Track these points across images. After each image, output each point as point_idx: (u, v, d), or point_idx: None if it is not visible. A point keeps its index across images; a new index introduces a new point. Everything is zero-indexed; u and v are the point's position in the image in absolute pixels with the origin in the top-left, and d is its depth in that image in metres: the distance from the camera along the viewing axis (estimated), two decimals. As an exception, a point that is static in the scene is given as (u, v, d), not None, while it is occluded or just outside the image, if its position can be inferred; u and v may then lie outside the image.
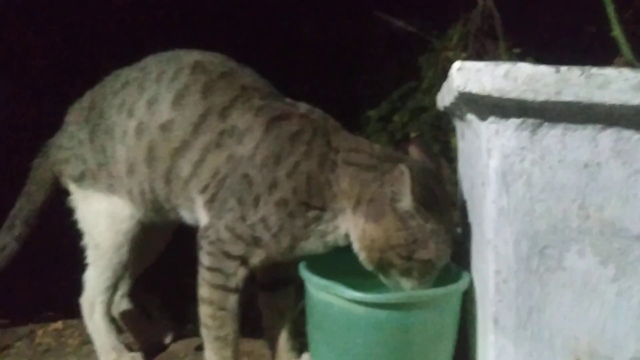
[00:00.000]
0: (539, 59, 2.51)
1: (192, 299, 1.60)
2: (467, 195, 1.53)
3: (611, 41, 1.90)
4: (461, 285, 1.41)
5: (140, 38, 2.52)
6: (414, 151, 1.52)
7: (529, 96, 1.20)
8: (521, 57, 2.56)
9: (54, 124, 1.76)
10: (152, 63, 1.63)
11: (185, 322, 1.96)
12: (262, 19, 2.95)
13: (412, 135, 2.63)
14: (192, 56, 1.61)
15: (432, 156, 1.55)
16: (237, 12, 2.87)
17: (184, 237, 1.75)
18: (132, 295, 1.86)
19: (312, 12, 3.13)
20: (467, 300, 1.45)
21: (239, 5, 2.82)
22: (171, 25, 2.70)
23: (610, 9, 1.57)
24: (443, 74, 2.63)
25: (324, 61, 3.00)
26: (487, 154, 1.28)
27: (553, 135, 1.26)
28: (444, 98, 1.50)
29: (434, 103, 2.59)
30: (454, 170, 2.20)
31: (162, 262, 1.87)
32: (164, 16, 2.71)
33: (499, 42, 2.59)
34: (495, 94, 1.21)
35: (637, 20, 1.70)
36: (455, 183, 1.93)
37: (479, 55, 2.62)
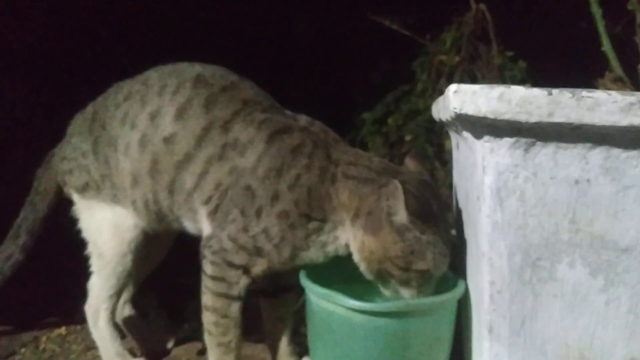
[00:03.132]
0: (531, 62, 2.56)
1: (188, 299, 1.63)
2: (462, 206, 1.58)
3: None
4: (457, 293, 1.46)
5: (136, 40, 2.54)
6: (410, 163, 1.56)
7: (522, 117, 1.25)
8: (514, 60, 2.61)
9: (58, 132, 1.79)
10: (154, 76, 1.65)
11: (181, 322, 1.99)
12: (256, 22, 2.96)
13: (407, 138, 2.67)
14: (193, 70, 1.63)
15: (427, 163, 1.58)
16: (230, 15, 2.88)
17: (180, 238, 1.78)
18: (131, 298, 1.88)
19: (305, 14, 3.15)
20: (463, 308, 1.49)
21: (231, 8, 2.84)
22: (167, 24, 2.72)
23: (601, 24, 1.61)
24: (437, 78, 2.69)
25: (317, 63, 3.02)
26: (483, 171, 1.33)
27: (545, 153, 1.31)
28: (440, 112, 1.54)
29: (427, 106, 2.63)
30: (448, 173, 2.25)
31: (159, 264, 1.90)
32: (161, 16, 2.73)
33: (492, 46, 2.63)
34: (490, 116, 1.25)
35: (627, 35, 1.74)
36: (449, 185, 1.97)
37: (472, 59, 2.66)
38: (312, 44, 3.15)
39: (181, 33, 2.70)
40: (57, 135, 1.79)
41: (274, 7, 2.99)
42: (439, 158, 2.54)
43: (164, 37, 2.64)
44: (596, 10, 1.65)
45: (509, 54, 2.60)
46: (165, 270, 1.89)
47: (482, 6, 2.62)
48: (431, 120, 2.57)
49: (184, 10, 2.80)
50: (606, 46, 1.64)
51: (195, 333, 1.90)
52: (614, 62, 1.62)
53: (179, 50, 1.69)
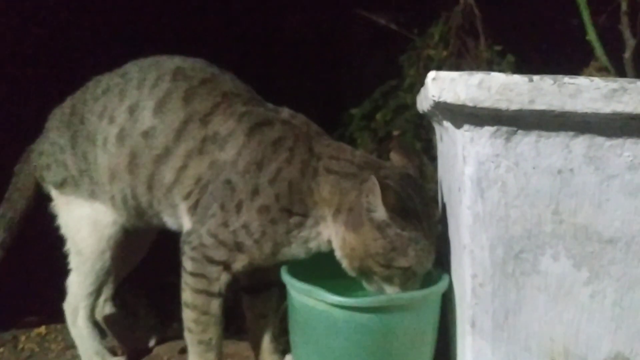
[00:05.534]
0: (519, 56, 2.55)
1: (178, 298, 1.61)
2: (446, 199, 1.55)
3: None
4: (440, 287, 1.43)
5: (125, 37, 2.52)
6: (395, 157, 1.53)
7: (503, 105, 1.22)
8: (502, 54, 2.59)
9: (36, 128, 1.76)
10: (133, 69, 1.63)
11: (171, 321, 1.97)
12: (246, 17, 2.95)
13: (395, 133, 2.65)
14: (173, 62, 1.61)
15: (414, 157, 1.55)
16: (220, 9, 2.87)
17: (170, 236, 1.76)
18: (117, 296, 1.86)
19: (295, 9, 3.13)
20: (447, 302, 1.47)
21: (221, 3, 2.82)
22: (158, 19, 2.71)
23: (586, 14, 1.58)
24: (424, 72, 2.66)
25: (306, 59, 3.01)
26: (463, 161, 1.30)
27: (527, 142, 1.28)
28: (422, 103, 1.52)
29: (415, 101, 2.62)
30: (436, 168, 2.22)
31: (148, 261, 1.88)
32: (152, 11, 2.71)
33: (479, 40, 2.62)
34: (470, 103, 1.22)
35: (612, 25, 1.72)
36: (437, 181, 1.94)
37: (460, 53, 2.65)
38: (300, 40, 3.13)
39: (171, 28, 2.68)
40: (35, 128, 1.75)
41: (263, 3, 2.97)
42: (427, 153, 2.52)
43: (155, 31, 2.62)
44: (581, -1, 1.63)
45: (497, 48, 2.59)
46: (156, 269, 1.88)
47: (471, 0, 2.60)
48: (419, 115, 2.57)
49: (173, 6, 2.78)
50: (591, 35, 1.62)
51: (182, 332, 1.89)
52: (599, 51, 1.60)
53: (168, 45, 1.67)
